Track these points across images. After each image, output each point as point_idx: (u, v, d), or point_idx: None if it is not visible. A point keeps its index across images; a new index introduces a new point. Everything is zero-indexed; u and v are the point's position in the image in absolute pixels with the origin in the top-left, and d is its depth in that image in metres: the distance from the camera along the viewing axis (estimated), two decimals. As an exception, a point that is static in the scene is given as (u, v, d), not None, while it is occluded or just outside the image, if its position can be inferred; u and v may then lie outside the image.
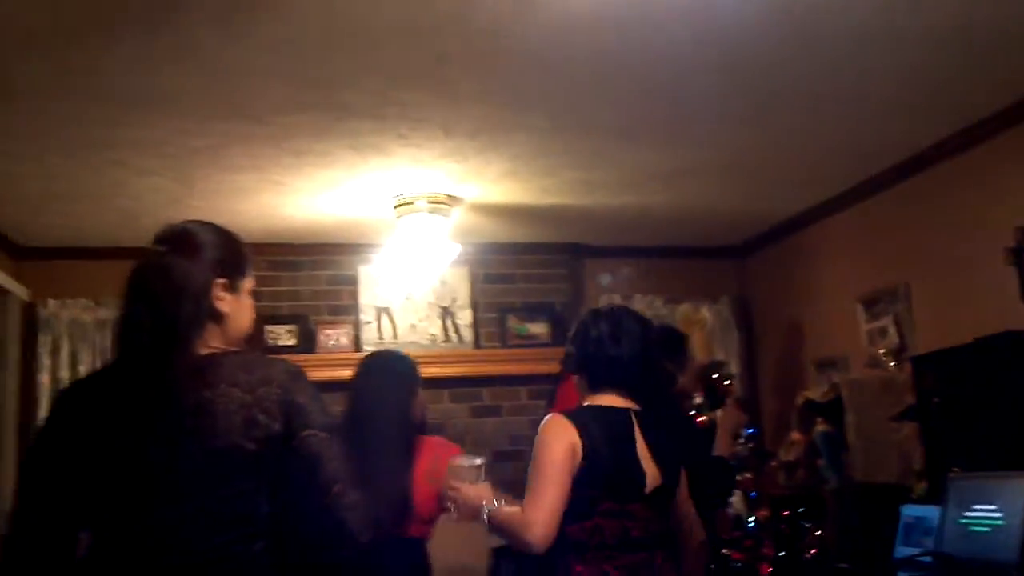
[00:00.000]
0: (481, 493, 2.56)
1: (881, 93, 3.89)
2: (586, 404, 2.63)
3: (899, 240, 4.95)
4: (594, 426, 2.51)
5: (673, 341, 3.45)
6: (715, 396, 5.44)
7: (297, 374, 1.92)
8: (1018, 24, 3.27)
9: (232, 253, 2.02)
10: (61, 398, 1.97)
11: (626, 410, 2.60)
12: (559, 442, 2.45)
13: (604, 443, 2.48)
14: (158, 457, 1.77)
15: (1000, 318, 4.04)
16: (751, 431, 5.54)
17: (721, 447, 3.25)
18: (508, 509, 2.49)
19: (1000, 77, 3.74)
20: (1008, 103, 3.99)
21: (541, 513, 2.38)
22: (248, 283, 2.05)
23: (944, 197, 4.57)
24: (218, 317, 1.94)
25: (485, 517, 2.51)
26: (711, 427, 3.38)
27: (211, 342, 1.92)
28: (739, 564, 5.09)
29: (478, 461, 2.67)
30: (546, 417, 2.55)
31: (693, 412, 4.50)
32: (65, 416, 1.88)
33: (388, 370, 3.43)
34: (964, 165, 4.42)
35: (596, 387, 2.64)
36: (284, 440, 1.84)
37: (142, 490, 1.78)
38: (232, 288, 1.98)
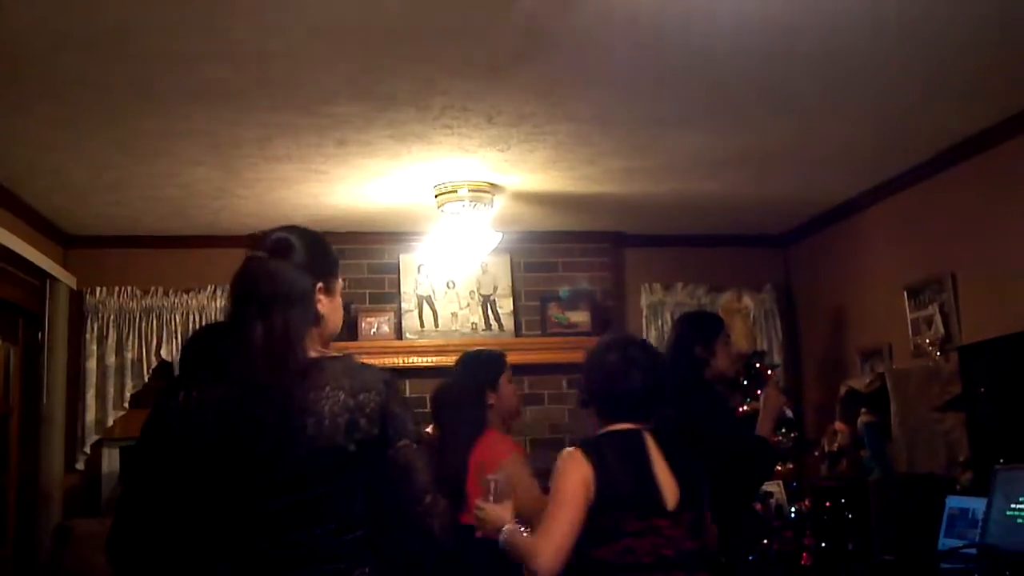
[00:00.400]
0: (502, 515, 2.67)
1: (924, 81, 3.83)
2: (601, 432, 2.68)
3: (944, 229, 4.88)
4: (608, 452, 2.58)
5: (706, 325, 3.44)
6: (758, 381, 5.43)
7: (392, 383, 2.01)
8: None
9: (325, 255, 2.10)
10: (171, 390, 2.04)
11: (638, 430, 2.66)
12: (571, 476, 2.53)
13: (619, 464, 2.55)
14: (266, 452, 1.86)
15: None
16: (790, 416, 5.53)
17: (764, 429, 3.25)
18: (522, 535, 2.59)
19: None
20: (1060, 89, 3.92)
21: (548, 544, 2.47)
22: (339, 284, 2.13)
23: (991, 185, 4.50)
24: (318, 319, 2.03)
25: (502, 539, 2.62)
26: (753, 414, 3.39)
27: (313, 344, 2.00)
28: (770, 553, 5.08)
29: (492, 478, 2.79)
30: (564, 451, 2.62)
31: (733, 399, 4.51)
32: (178, 409, 1.96)
33: (470, 361, 3.76)
34: (1010, 153, 4.35)
35: (606, 419, 2.70)
36: (380, 445, 1.93)
37: (248, 482, 1.87)
38: (327, 290, 2.06)
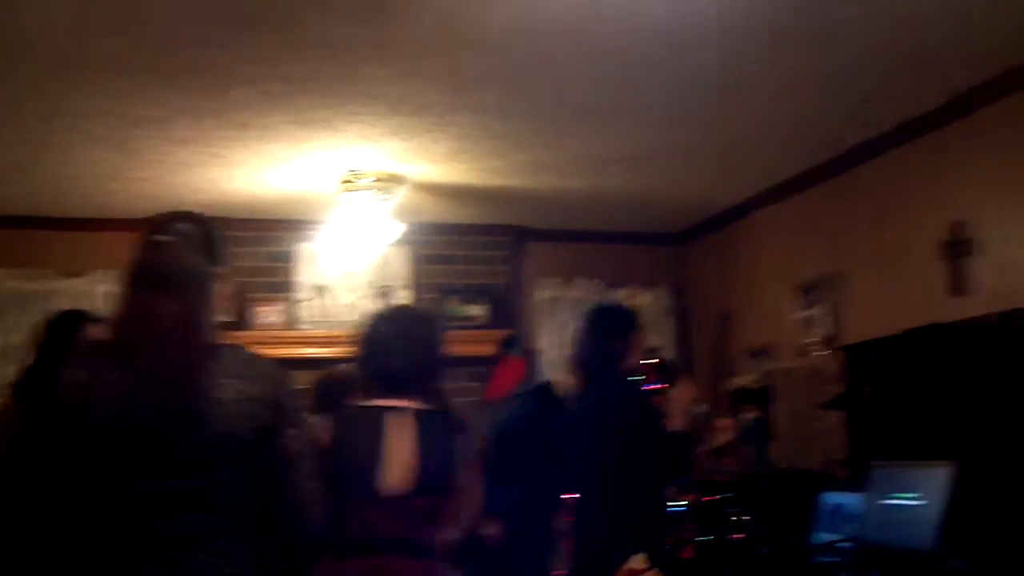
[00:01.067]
0: None
1: (820, 87, 3.98)
2: (349, 404, 2.59)
3: (833, 232, 5.07)
4: (346, 424, 2.52)
5: (624, 319, 3.47)
6: (669, 374, 5.49)
7: (284, 374, 2.08)
8: (954, 21, 3.38)
9: (221, 243, 2.10)
10: (73, 366, 2.00)
11: (386, 408, 2.54)
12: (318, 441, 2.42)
13: (349, 438, 2.48)
14: (169, 436, 1.86)
15: (929, 311, 4.18)
16: (705, 410, 5.64)
17: (675, 423, 3.27)
18: None
19: (934, 76, 3.85)
20: (942, 101, 4.11)
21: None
22: (229, 271, 2.12)
23: (879, 191, 4.70)
24: (214, 306, 2.02)
25: None
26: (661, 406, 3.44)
27: (209, 331, 2.00)
28: (666, 548, 5.20)
29: None
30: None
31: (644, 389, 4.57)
32: (68, 392, 1.92)
33: None
34: (899, 160, 4.55)
35: (368, 388, 2.59)
36: (273, 433, 1.98)
37: (144, 464, 1.86)
38: (221, 277, 2.06)
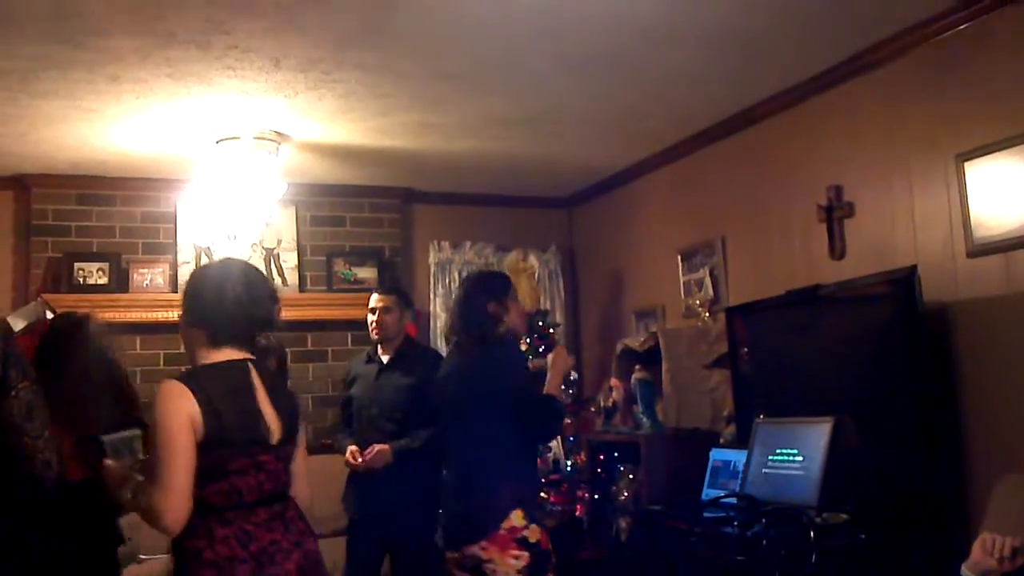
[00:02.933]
0: (121, 472, 2.61)
1: (705, 58, 4.01)
2: (203, 364, 2.47)
3: (716, 196, 5.16)
4: (212, 386, 2.38)
5: (497, 282, 3.49)
6: (546, 341, 5.58)
7: (9, 330, 2.27)
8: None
9: None
10: None
11: (244, 362, 2.49)
12: (177, 416, 2.30)
13: (225, 400, 2.38)
14: None
15: (810, 273, 4.30)
16: (575, 377, 5.73)
17: (551, 387, 3.33)
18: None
19: (814, 42, 3.92)
20: (822, 68, 4.20)
21: (170, 496, 2.27)
22: None
23: (760, 156, 4.79)
24: None
25: (126, 495, 2.51)
26: (542, 371, 3.48)
27: None
28: (557, 507, 5.26)
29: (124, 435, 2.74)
30: (163, 386, 2.35)
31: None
32: None
33: None
34: (779, 126, 4.64)
35: (217, 343, 2.48)
36: (5, 386, 2.14)
37: None
38: None
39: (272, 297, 2.59)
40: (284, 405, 2.53)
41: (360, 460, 4.08)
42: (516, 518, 3.08)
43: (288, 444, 2.52)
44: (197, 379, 2.39)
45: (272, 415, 2.47)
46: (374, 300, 4.35)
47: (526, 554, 3.05)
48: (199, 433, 2.31)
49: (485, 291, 3.41)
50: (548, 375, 3.37)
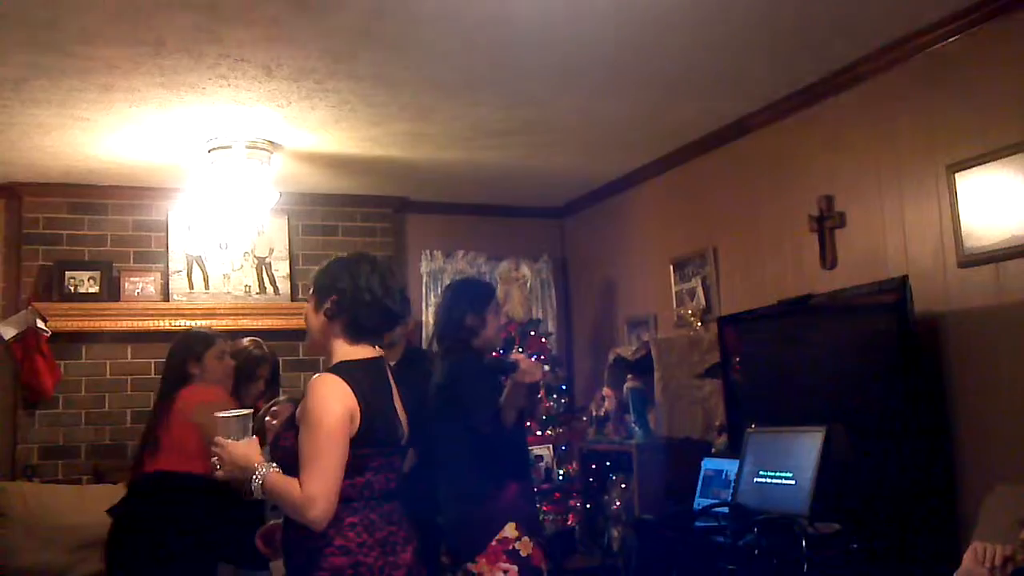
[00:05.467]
0: (249, 453, 2.43)
1: (691, 68, 4.02)
2: (349, 360, 2.48)
3: (708, 206, 5.17)
4: (365, 382, 2.41)
5: (479, 293, 3.46)
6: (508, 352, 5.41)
7: None
8: (816, 10, 3.47)
9: None
10: None
11: (382, 359, 2.56)
12: (337, 410, 2.32)
13: (376, 399, 2.42)
14: None
15: (802, 282, 4.31)
16: (563, 386, 5.68)
17: (507, 417, 3.21)
18: (284, 478, 2.35)
19: (805, 53, 3.94)
20: (813, 79, 4.21)
21: (323, 488, 2.27)
22: None
23: (751, 166, 4.80)
24: None
25: (257, 482, 2.37)
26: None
27: None
28: (549, 516, 5.25)
29: (242, 412, 2.56)
30: (316, 377, 2.39)
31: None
32: None
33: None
34: (771, 137, 4.66)
35: (356, 337, 2.51)
36: None
37: None
38: None
39: (403, 292, 2.62)
40: (407, 406, 2.60)
41: None
42: (508, 530, 3.06)
43: (409, 444, 2.61)
44: (352, 375, 2.42)
45: (403, 415, 2.54)
46: None
47: (515, 568, 3.03)
48: (353, 429, 2.35)
49: (465, 302, 3.38)
50: (506, 391, 3.23)
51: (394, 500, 2.50)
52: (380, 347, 2.60)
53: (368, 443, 2.38)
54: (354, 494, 2.38)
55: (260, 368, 4.03)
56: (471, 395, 3.21)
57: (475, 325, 3.34)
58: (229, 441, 2.47)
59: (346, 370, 2.43)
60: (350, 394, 2.35)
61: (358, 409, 2.36)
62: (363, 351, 2.51)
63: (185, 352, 3.68)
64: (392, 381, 2.56)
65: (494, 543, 3.04)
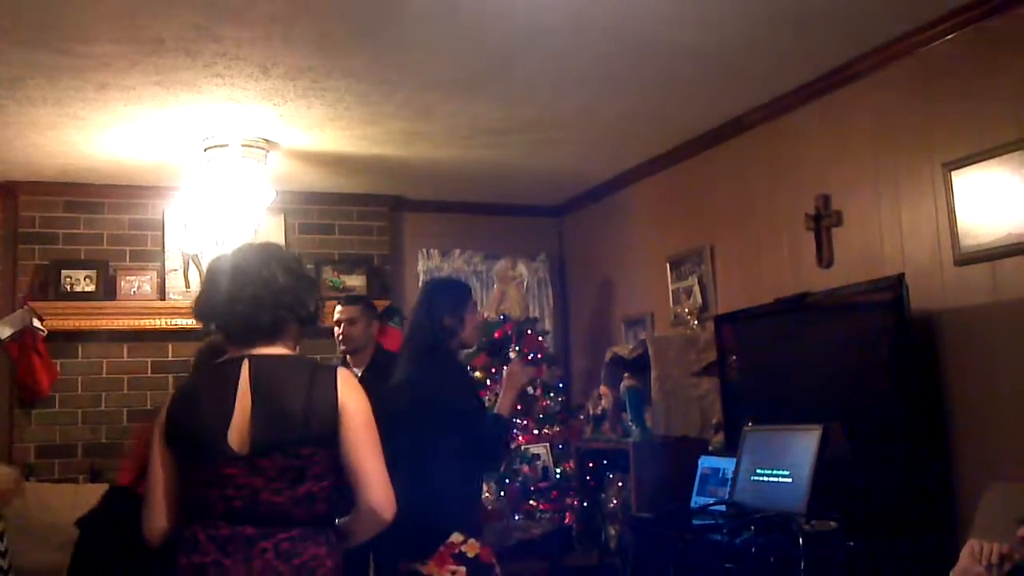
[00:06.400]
0: None
1: (689, 66, 4.02)
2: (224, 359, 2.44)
3: (705, 204, 5.17)
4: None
5: (456, 295, 3.41)
6: (497, 352, 5.38)
7: None
8: (813, 9, 3.47)
9: None
10: None
11: (242, 359, 2.40)
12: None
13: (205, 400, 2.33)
14: None
15: (798, 281, 4.31)
16: (546, 382, 5.65)
17: (502, 408, 3.20)
18: None
19: (802, 52, 3.94)
20: (810, 77, 4.21)
21: (152, 509, 2.29)
22: None
23: (748, 165, 4.81)
24: None
25: None
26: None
27: None
28: (546, 514, 5.25)
29: None
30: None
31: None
32: None
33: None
34: (767, 135, 4.66)
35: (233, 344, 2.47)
36: None
37: None
38: None
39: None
40: (277, 409, 2.43)
41: None
42: (454, 537, 3.03)
43: (269, 456, 2.41)
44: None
45: (250, 419, 2.38)
46: (338, 312, 4.28)
47: (463, 568, 3.01)
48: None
49: (442, 303, 3.33)
50: (502, 392, 3.24)
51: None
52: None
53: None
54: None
55: None
56: (460, 402, 3.18)
57: (453, 326, 3.29)
58: None
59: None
60: None
61: None
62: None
63: (211, 360, 3.60)
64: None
65: (442, 549, 3.02)
